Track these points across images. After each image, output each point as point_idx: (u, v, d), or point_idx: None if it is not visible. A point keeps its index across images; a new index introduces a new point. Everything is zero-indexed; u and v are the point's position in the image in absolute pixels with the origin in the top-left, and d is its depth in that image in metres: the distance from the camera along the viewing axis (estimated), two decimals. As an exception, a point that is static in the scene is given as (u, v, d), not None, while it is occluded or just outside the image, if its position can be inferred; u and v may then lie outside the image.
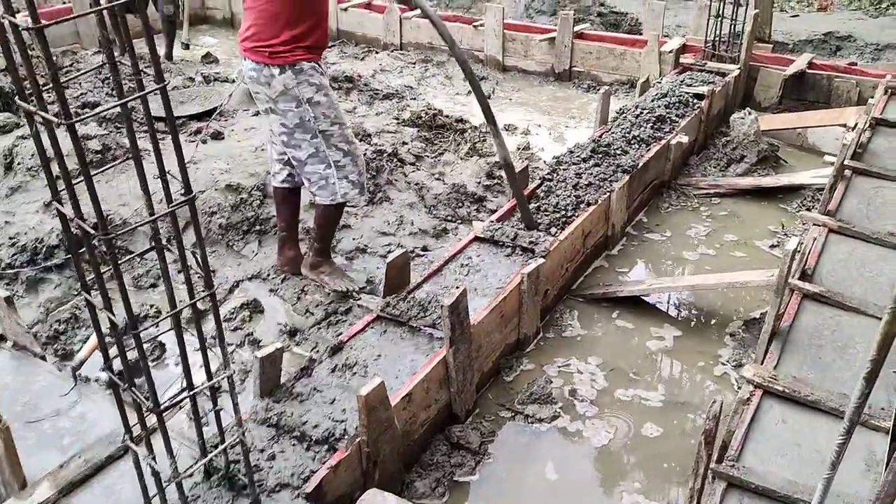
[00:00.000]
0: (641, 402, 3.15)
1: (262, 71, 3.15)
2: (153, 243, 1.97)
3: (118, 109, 1.70)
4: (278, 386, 2.66)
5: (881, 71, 6.00)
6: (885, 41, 7.21)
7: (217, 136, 4.89)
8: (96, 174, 1.63)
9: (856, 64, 6.38)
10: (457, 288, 2.79)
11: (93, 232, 1.70)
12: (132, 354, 1.96)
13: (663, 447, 2.93)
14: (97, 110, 1.37)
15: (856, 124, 4.46)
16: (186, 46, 7.32)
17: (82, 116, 1.49)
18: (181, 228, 3.95)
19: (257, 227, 4.11)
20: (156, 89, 1.66)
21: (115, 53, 1.57)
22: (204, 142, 4.79)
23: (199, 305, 2.73)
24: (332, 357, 2.89)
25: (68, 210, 1.72)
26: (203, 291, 3.40)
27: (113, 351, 1.91)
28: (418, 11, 3.57)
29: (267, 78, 3.14)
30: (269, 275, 3.88)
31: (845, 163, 4.09)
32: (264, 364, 2.56)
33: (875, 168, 4.26)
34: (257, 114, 5.37)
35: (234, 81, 6.03)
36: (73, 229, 1.77)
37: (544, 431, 2.99)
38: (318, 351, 3.27)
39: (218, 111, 5.15)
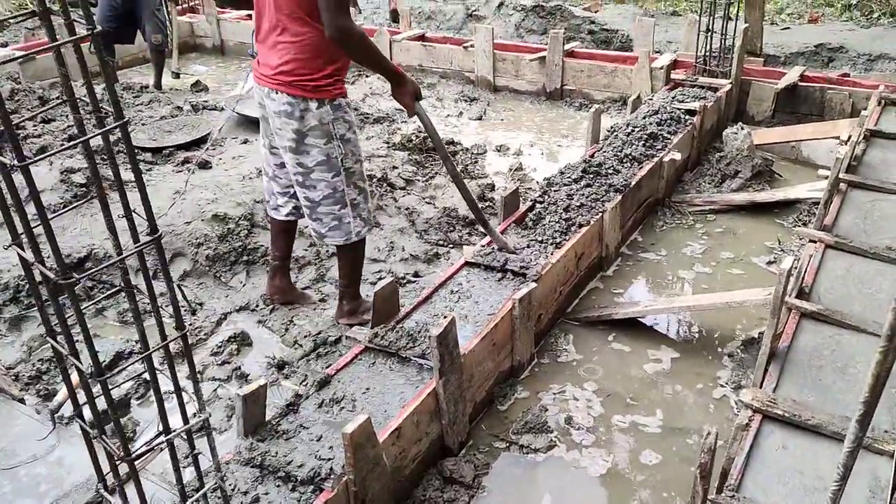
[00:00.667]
0: (639, 428, 3.07)
1: (298, 105, 3.00)
2: (123, 283, 1.89)
3: (100, 141, 1.63)
4: (263, 424, 2.58)
5: (874, 82, 5.96)
6: (877, 51, 7.18)
7: (204, 165, 4.84)
8: (55, 216, 1.56)
9: (848, 75, 6.35)
10: (445, 317, 2.72)
11: (52, 276, 1.63)
12: (116, 392, 1.88)
13: (663, 475, 2.84)
14: (47, 154, 1.30)
15: (850, 137, 4.41)
16: (176, 75, 7.30)
17: (34, 159, 1.43)
18: (168, 259, 3.89)
19: (245, 258, 4.05)
20: (115, 126, 1.59)
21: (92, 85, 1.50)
22: (192, 172, 4.74)
23: (175, 346, 2.66)
24: (320, 391, 2.81)
25: (29, 254, 1.65)
26: (187, 329, 3.31)
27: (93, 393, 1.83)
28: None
29: (302, 112, 3.01)
30: (257, 305, 3.82)
31: (840, 176, 4.03)
32: (247, 402, 2.49)
33: (871, 181, 4.20)
34: (246, 142, 5.34)
35: (223, 109, 6.00)
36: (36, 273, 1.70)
37: (540, 462, 2.90)
38: (306, 383, 3.20)
39: (210, 143, 5.10)
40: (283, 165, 3.34)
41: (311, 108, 3.02)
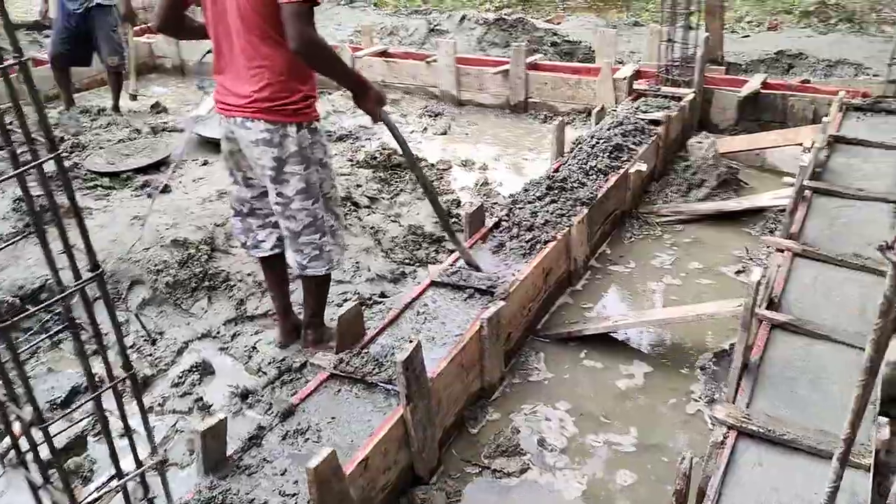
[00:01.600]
0: (614, 447, 3.01)
1: (277, 131, 2.88)
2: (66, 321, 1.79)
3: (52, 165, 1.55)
4: (224, 459, 2.48)
5: (834, 88, 6.01)
6: (835, 57, 7.26)
7: (164, 189, 4.72)
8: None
9: (809, 81, 6.39)
10: (411, 340, 2.64)
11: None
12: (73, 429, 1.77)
13: (638, 495, 2.78)
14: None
15: (813, 143, 4.41)
16: (134, 97, 7.15)
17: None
18: (126, 287, 3.76)
19: (206, 283, 3.93)
20: (49, 158, 1.50)
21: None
22: (150, 196, 4.62)
23: (136, 372, 2.53)
24: (284, 422, 2.72)
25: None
26: (149, 359, 3.20)
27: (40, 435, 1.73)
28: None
29: (281, 138, 2.89)
30: (219, 332, 3.71)
31: (805, 183, 4.03)
32: (206, 438, 2.38)
33: (836, 187, 4.21)
34: (206, 163, 5.23)
35: (182, 131, 5.88)
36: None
37: (514, 486, 2.83)
38: (271, 412, 3.10)
39: (173, 168, 4.98)
40: (262, 196, 3.20)
41: (290, 134, 2.91)
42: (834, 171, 4.50)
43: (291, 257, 3.22)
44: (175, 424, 3.14)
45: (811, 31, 8.51)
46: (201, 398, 3.29)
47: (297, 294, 3.87)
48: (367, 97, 3.05)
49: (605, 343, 3.62)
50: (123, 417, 1.85)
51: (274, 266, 3.42)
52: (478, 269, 3.58)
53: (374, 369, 2.87)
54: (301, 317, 3.67)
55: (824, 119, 4.87)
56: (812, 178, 4.17)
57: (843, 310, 3.20)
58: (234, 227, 3.37)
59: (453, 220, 4.65)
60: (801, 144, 5.15)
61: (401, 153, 3.48)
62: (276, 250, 3.33)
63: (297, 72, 2.86)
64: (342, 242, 3.30)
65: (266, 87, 2.83)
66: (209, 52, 3.06)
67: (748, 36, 8.37)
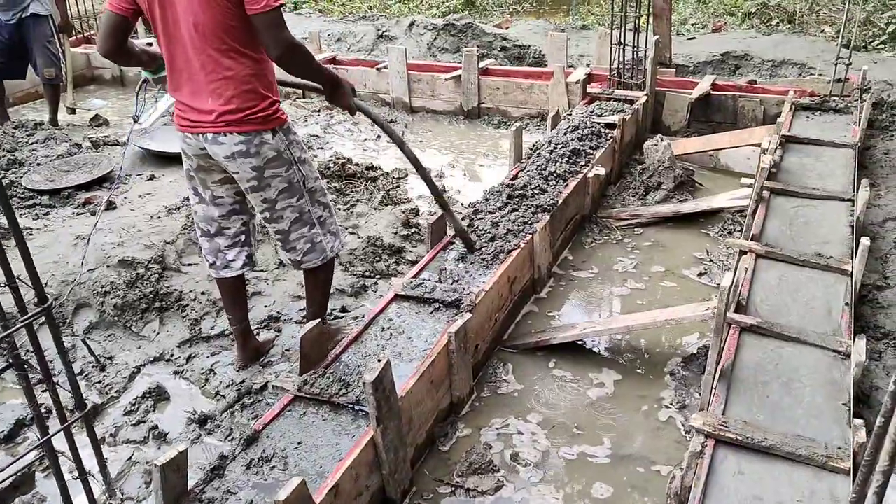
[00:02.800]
0: (588, 459, 2.94)
1: (253, 140, 2.80)
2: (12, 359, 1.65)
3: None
4: (185, 493, 2.33)
5: (782, 88, 6.10)
6: (780, 57, 7.37)
7: (108, 206, 4.52)
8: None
9: (755, 81, 6.47)
10: (379, 359, 2.54)
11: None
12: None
13: (616, 508, 2.72)
14: None
15: (768, 144, 4.45)
16: (73, 111, 6.88)
17: None
18: (72, 312, 3.58)
19: (157, 304, 3.76)
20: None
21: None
22: (93, 213, 4.42)
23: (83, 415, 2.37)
24: (247, 450, 2.58)
25: None
26: (98, 386, 3.03)
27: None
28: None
29: (257, 147, 2.82)
30: (172, 355, 3.55)
31: (763, 184, 4.05)
32: (165, 473, 2.23)
33: (792, 186, 4.25)
34: (152, 178, 5.04)
35: (125, 144, 5.65)
36: None
37: (488, 505, 2.75)
38: (232, 439, 2.96)
39: (116, 184, 4.77)
40: (231, 213, 3.11)
41: (267, 140, 2.84)
42: (789, 171, 4.54)
43: (284, 256, 3.19)
44: (130, 457, 2.96)
45: (755, 33, 8.63)
46: (156, 426, 3.13)
47: (254, 312, 3.74)
48: (342, 92, 3.06)
49: (574, 351, 3.57)
50: (77, 459, 1.70)
51: (235, 286, 3.30)
52: (472, 245, 3.71)
53: (340, 390, 2.76)
54: (260, 338, 3.55)
55: (778, 120, 4.92)
56: (768, 178, 4.20)
57: (809, 310, 3.21)
58: (202, 247, 3.23)
59: (413, 230, 4.56)
60: (755, 145, 5.20)
61: (389, 140, 3.57)
62: (246, 268, 3.25)
63: (261, 79, 2.80)
64: (335, 230, 3.22)
65: (232, 99, 2.75)
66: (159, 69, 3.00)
67: (694, 38, 8.45)
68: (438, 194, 3.61)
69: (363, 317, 3.45)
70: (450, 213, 3.68)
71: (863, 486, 1.08)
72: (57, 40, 6.35)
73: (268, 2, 2.60)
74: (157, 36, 2.80)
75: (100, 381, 3.41)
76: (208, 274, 3.88)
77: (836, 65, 5.68)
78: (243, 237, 3.19)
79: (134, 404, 3.26)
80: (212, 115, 2.77)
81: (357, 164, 5.26)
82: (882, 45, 7.97)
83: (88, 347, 3.51)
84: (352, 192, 5.00)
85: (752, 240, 3.70)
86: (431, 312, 3.32)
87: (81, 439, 2.28)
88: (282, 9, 2.66)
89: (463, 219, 4.13)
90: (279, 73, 2.89)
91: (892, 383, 0.96)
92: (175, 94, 2.86)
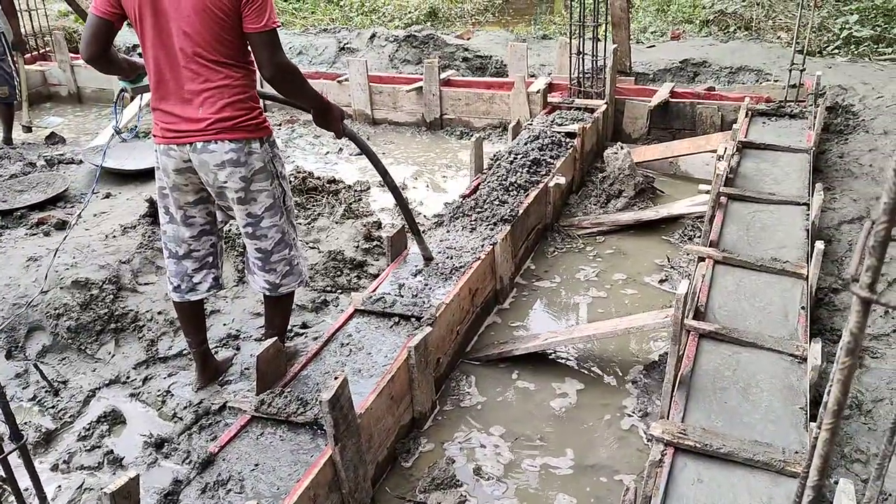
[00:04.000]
0: (551, 470, 2.93)
1: (243, 149, 2.80)
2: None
3: None
4: (138, 521, 2.28)
5: (739, 94, 6.18)
6: (737, 64, 7.47)
7: (62, 225, 4.43)
8: None
9: (714, 88, 6.56)
10: (336, 377, 2.50)
11: None
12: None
13: (579, 520, 2.71)
14: None
15: (725, 150, 4.49)
16: (28, 129, 6.75)
17: None
18: (24, 335, 3.49)
19: (113, 325, 3.69)
20: None
21: None
22: (47, 234, 4.33)
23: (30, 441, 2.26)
24: (202, 473, 2.53)
25: None
26: (51, 411, 2.95)
27: None
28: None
29: (247, 155, 2.82)
30: (128, 377, 3.48)
31: (720, 190, 4.08)
32: (115, 500, 2.18)
33: (749, 192, 4.29)
34: (108, 196, 4.95)
35: (81, 162, 5.56)
36: None
37: (451, 521, 2.72)
38: (190, 462, 2.90)
39: (88, 200, 4.67)
40: (201, 234, 3.07)
41: (255, 150, 2.84)
42: (745, 176, 4.59)
43: (260, 279, 3.11)
44: (82, 485, 2.89)
45: (712, 40, 8.75)
46: (111, 451, 3.05)
47: (213, 330, 3.68)
48: (332, 115, 3.09)
49: (536, 362, 3.56)
50: (17, 493, 1.65)
51: (193, 309, 3.23)
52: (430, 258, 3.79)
53: (298, 409, 2.71)
54: (218, 357, 3.51)
55: (734, 126, 4.97)
56: (725, 184, 4.23)
57: (766, 315, 3.23)
58: (168, 269, 3.16)
59: (375, 243, 4.53)
60: (712, 151, 5.25)
61: (372, 166, 3.59)
62: (212, 291, 3.20)
63: (251, 90, 2.84)
64: (304, 254, 3.26)
65: (226, 107, 2.76)
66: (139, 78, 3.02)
67: (653, 46, 8.55)
68: (414, 225, 3.71)
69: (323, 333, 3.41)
70: (422, 241, 3.75)
71: (800, 499, 1.08)
72: (10, 58, 6.23)
73: (266, 22, 2.66)
74: (143, 44, 2.77)
75: (53, 406, 3.33)
76: (167, 295, 3.83)
77: (790, 71, 5.76)
78: (211, 258, 3.15)
79: (88, 429, 3.18)
80: (202, 124, 2.76)
81: (318, 178, 5.22)
82: (836, 51, 8.12)
83: (41, 372, 3.42)
84: (313, 205, 4.95)
85: (710, 246, 3.73)
86: (392, 327, 3.29)
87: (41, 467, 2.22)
88: (277, 30, 2.70)
89: (425, 232, 4.12)
90: (268, 87, 2.92)
91: (827, 393, 0.96)
92: (159, 104, 2.82)
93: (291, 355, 3.35)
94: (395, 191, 3.61)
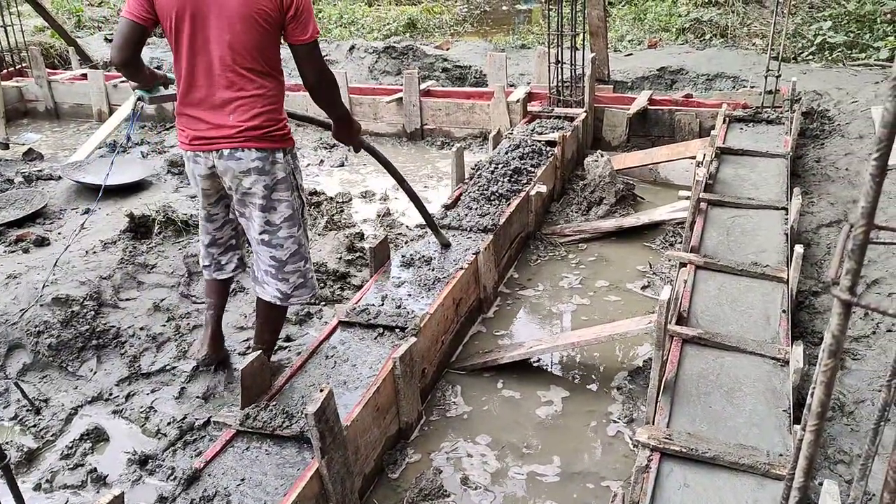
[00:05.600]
0: (538, 478, 2.93)
1: (268, 158, 2.87)
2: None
3: None
4: (123, 540, 2.25)
5: (716, 101, 6.25)
6: (714, 71, 7.56)
7: (41, 242, 4.39)
8: None
9: (691, 95, 6.63)
10: (321, 389, 2.50)
11: None
12: None
13: (567, 527, 2.71)
14: None
15: (704, 156, 4.54)
16: (5, 146, 6.70)
17: None
18: (4, 353, 3.45)
19: (94, 342, 3.65)
20: None
21: None
22: (26, 251, 4.28)
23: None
24: (188, 490, 2.51)
25: None
26: (33, 430, 2.92)
27: None
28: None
29: (271, 165, 2.89)
30: (111, 394, 3.44)
31: (700, 196, 4.12)
32: (100, 520, 2.16)
33: (728, 198, 4.33)
34: (87, 211, 4.91)
35: (59, 178, 5.52)
36: None
37: (439, 531, 2.71)
38: (175, 478, 2.88)
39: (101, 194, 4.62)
40: (224, 225, 3.26)
41: (279, 160, 2.91)
42: (724, 182, 4.64)
43: (272, 288, 3.11)
44: (66, 503, 2.85)
45: (689, 48, 8.85)
46: (95, 469, 3.02)
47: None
48: (352, 128, 3.22)
49: (522, 370, 3.56)
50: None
51: (224, 287, 3.43)
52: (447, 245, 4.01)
53: (283, 422, 2.70)
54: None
55: (712, 133, 5.02)
56: (705, 190, 4.28)
57: (748, 319, 3.26)
58: (200, 251, 3.39)
59: (358, 254, 4.53)
60: (691, 158, 5.30)
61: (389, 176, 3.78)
62: (237, 272, 3.40)
63: (281, 100, 2.93)
64: (314, 267, 3.35)
65: (257, 116, 2.82)
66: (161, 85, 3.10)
67: (631, 54, 8.63)
68: (434, 226, 3.97)
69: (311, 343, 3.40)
70: (438, 233, 4.01)
71: (786, 501, 1.09)
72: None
73: (312, 33, 2.79)
74: (176, 50, 2.81)
75: (35, 425, 3.29)
76: (149, 310, 3.81)
77: (766, 77, 5.84)
78: (234, 241, 3.33)
79: (71, 447, 3.14)
80: (232, 130, 2.82)
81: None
82: (811, 57, 8.24)
83: (22, 390, 3.38)
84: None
85: (691, 251, 3.76)
86: (376, 338, 3.28)
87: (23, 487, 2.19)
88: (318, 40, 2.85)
89: (412, 240, 4.15)
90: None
91: (810, 395, 0.97)
92: (188, 109, 2.87)
93: (276, 370, 3.34)
94: (415, 198, 3.85)
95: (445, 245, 4.02)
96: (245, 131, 2.82)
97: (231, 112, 2.81)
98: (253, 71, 2.78)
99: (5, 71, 8.32)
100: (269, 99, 2.85)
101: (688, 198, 4.40)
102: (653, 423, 2.69)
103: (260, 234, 3.02)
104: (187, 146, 2.93)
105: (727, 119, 5.68)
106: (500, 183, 4.67)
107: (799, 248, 3.38)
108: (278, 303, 3.14)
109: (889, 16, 8.59)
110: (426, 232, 4.22)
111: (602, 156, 5.34)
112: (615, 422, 3.22)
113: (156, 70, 3.11)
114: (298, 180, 3.05)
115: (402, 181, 3.76)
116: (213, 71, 2.78)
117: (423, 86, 7.04)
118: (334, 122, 3.17)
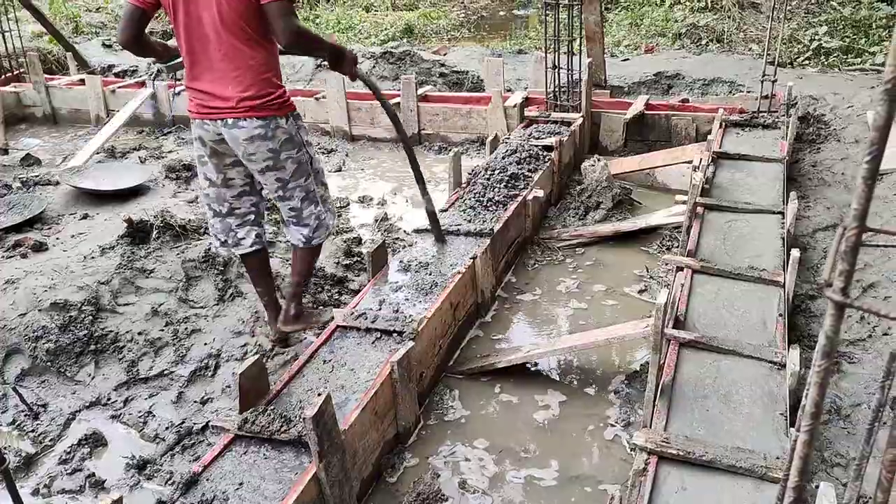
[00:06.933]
0: (536, 482, 2.94)
1: (269, 125, 3.07)
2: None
3: None
4: (121, 544, 2.26)
5: (712, 105, 6.27)
6: (710, 76, 7.59)
7: (39, 247, 4.39)
8: None
9: (688, 100, 6.65)
10: (319, 393, 2.50)
11: None
12: None
13: (565, 531, 2.72)
14: None
15: (700, 161, 4.55)
16: (5, 151, 6.70)
17: None
18: (2, 358, 3.45)
19: (92, 347, 3.65)
20: None
21: None
22: (24, 256, 4.28)
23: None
24: (186, 494, 2.51)
25: None
26: (31, 435, 2.92)
27: None
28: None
29: (273, 130, 3.08)
30: (109, 399, 3.44)
31: (697, 201, 4.13)
32: (99, 524, 2.16)
33: (724, 202, 4.35)
34: (85, 217, 4.92)
35: (58, 184, 5.52)
36: None
37: (437, 535, 2.71)
38: (173, 483, 2.88)
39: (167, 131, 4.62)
40: (241, 195, 3.37)
41: (281, 125, 3.10)
42: (720, 186, 4.65)
43: (296, 233, 3.38)
44: (64, 509, 2.86)
45: (685, 53, 8.89)
46: (93, 474, 3.02)
47: (192, 351, 3.65)
48: (346, 60, 3.35)
49: (519, 374, 3.57)
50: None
51: (256, 261, 3.54)
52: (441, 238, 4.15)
53: (282, 426, 2.71)
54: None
55: (709, 137, 5.04)
56: (701, 194, 4.29)
57: (745, 322, 3.27)
58: (213, 227, 3.45)
59: (355, 259, 4.54)
60: (688, 162, 5.32)
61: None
62: (256, 247, 3.49)
63: (274, 69, 3.09)
64: (333, 209, 3.53)
65: (250, 86, 3.01)
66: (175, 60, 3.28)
67: (628, 59, 8.66)
68: (419, 173, 4.10)
69: (314, 339, 3.40)
70: (426, 193, 4.09)
71: (781, 501, 1.10)
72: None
73: None
74: (176, 29, 3.03)
75: (33, 430, 3.29)
76: (147, 316, 3.81)
77: (762, 82, 5.86)
78: (252, 217, 3.45)
79: (69, 452, 3.15)
80: (232, 101, 3.01)
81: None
82: (806, 62, 8.27)
83: (20, 395, 3.38)
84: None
85: (688, 255, 3.77)
86: (373, 342, 3.29)
87: (21, 492, 2.19)
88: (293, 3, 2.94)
89: (410, 245, 4.16)
90: None
91: (805, 396, 0.98)
92: (193, 83, 3.08)
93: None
94: (406, 144, 4.03)
95: (441, 241, 4.15)
96: (244, 101, 3.01)
97: (230, 83, 3.00)
98: (243, 42, 2.95)
99: (3, 76, 8.33)
100: (261, 69, 3.02)
101: (684, 202, 4.41)
102: (650, 427, 2.70)
103: (276, 191, 3.25)
104: (196, 114, 3.13)
105: (724, 124, 5.70)
106: (496, 188, 4.68)
107: (795, 252, 3.39)
108: (302, 245, 3.40)
109: (884, 21, 8.63)
110: (424, 237, 4.22)
111: (599, 160, 5.35)
112: (612, 426, 3.23)
113: (169, 44, 3.34)
114: (304, 137, 3.27)
115: (395, 118, 3.86)
116: (209, 46, 2.98)
117: (420, 91, 7.05)
118: (326, 59, 3.37)
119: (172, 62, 3.34)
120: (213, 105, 3.04)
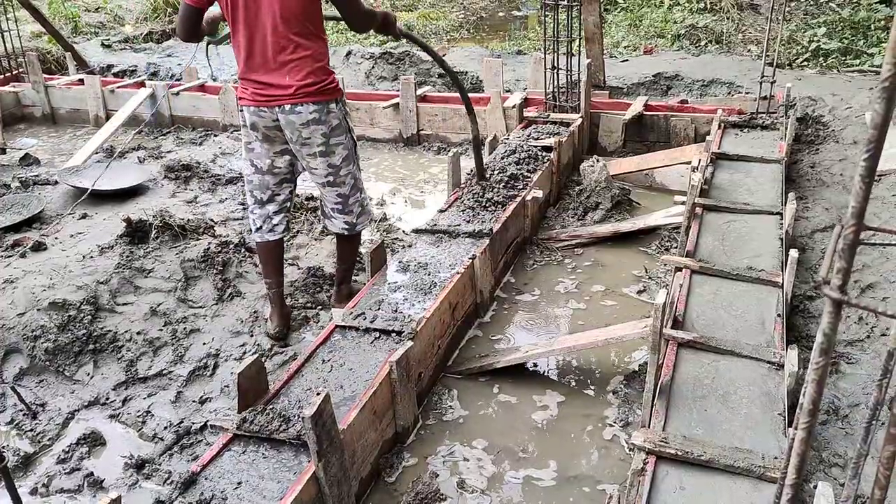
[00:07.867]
0: (534, 482, 2.94)
1: (323, 109, 3.34)
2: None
3: None
4: (119, 543, 2.26)
5: (711, 106, 6.27)
6: (709, 77, 7.59)
7: (38, 247, 4.39)
8: None
9: (687, 101, 6.65)
10: (318, 393, 2.50)
11: None
12: None
13: (563, 531, 2.72)
14: None
15: (699, 162, 4.56)
16: (2, 150, 6.70)
17: None
18: (3, 355, 3.45)
19: (91, 346, 3.65)
20: None
21: None
22: (23, 255, 4.28)
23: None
24: (185, 494, 2.51)
25: None
26: (30, 434, 2.92)
27: None
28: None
29: (327, 114, 3.35)
30: (108, 398, 3.45)
31: (695, 201, 4.14)
32: (97, 523, 2.16)
33: (723, 203, 4.35)
34: (84, 216, 4.92)
35: (56, 183, 5.52)
36: None
37: (436, 535, 2.71)
38: (171, 482, 2.88)
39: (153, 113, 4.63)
40: (282, 182, 3.59)
41: (333, 109, 3.38)
42: (719, 187, 4.66)
43: (340, 222, 3.67)
44: (62, 508, 2.86)
45: (684, 54, 8.89)
46: (91, 473, 3.02)
47: (191, 351, 3.65)
48: (390, 24, 3.68)
49: (517, 375, 3.57)
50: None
51: (277, 252, 3.73)
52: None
53: (280, 426, 2.71)
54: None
55: (708, 138, 5.05)
56: (700, 195, 4.29)
57: (743, 323, 3.27)
58: (252, 213, 3.66)
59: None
60: (686, 163, 5.33)
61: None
62: (285, 233, 3.75)
63: (326, 56, 3.38)
64: (369, 195, 3.86)
65: (310, 74, 3.28)
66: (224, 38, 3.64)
67: (627, 60, 8.66)
68: (467, 100, 4.58)
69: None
70: (473, 118, 4.56)
71: (779, 499, 1.10)
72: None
73: None
74: (233, 25, 3.27)
75: (31, 430, 3.29)
76: (145, 315, 3.81)
77: (761, 83, 5.86)
78: (287, 204, 3.69)
79: (68, 451, 3.14)
80: (291, 89, 3.27)
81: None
82: (805, 63, 8.28)
83: (18, 395, 3.38)
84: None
85: (686, 256, 3.78)
86: (372, 342, 3.29)
87: (19, 491, 2.19)
88: None
89: (409, 246, 4.17)
90: None
91: (803, 394, 0.98)
92: (250, 74, 3.32)
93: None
94: (454, 77, 4.56)
95: (482, 178, 4.64)
96: (301, 88, 3.27)
97: (287, 73, 3.25)
98: (302, 35, 3.23)
99: (2, 76, 8.33)
100: (317, 58, 3.30)
101: (683, 203, 4.41)
102: (648, 427, 2.70)
103: (325, 176, 3.49)
104: (251, 102, 3.34)
105: (722, 125, 5.71)
106: (495, 188, 4.68)
107: (794, 253, 3.39)
108: (346, 233, 3.69)
109: (883, 22, 8.64)
110: (422, 237, 4.22)
111: (598, 161, 5.36)
112: (611, 426, 3.23)
113: (212, 15, 3.49)
114: (350, 123, 3.54)
115: (442, 62, 4.36)
116: (267, 39, 3.22)
117: (419, 91, 7.06)
118: (375, 30, 3.66)
119: (218, 37, 3.70)
120: (271, 93, 3.28)
